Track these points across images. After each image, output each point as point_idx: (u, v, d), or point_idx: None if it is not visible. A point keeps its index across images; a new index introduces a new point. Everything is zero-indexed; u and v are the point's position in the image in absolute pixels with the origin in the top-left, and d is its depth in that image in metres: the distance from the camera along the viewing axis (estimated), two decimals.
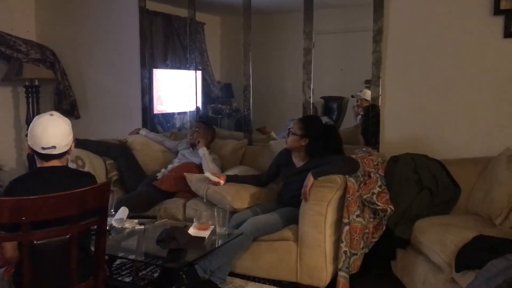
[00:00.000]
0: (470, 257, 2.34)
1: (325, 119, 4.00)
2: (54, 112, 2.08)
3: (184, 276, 2.78)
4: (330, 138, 3.25)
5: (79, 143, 3.58)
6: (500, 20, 3.30)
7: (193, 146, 3.92)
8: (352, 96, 4.07)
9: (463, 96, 3.46)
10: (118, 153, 3.95)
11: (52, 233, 1.82)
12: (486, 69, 3.38)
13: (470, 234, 2.51)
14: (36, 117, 2.09)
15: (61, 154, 2.05)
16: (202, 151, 3.75)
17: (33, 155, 2.08)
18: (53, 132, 2.01)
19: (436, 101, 3.53)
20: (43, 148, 2.00)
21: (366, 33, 3.66)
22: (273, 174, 3.48)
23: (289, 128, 3.28)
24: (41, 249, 1.83)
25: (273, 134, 4.25)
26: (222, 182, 3.36)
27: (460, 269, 2.36)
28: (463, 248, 2.42)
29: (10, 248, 1.91)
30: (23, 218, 1.69)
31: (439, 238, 2.64)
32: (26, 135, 2.12)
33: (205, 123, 4.08)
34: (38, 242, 1.82)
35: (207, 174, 3.39)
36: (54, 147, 2.01)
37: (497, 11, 3.28)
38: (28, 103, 4.85)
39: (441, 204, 3.11)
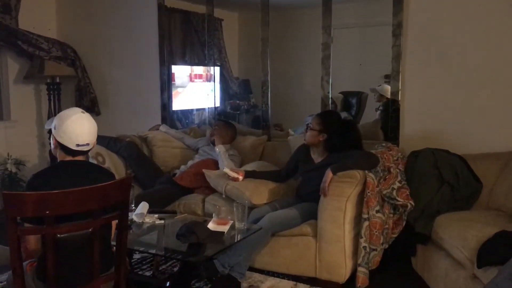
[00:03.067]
0: (492, 253, 2.31)
1: (344, 114, 3.98)
2: (81, 109, 2.10)
3: (203, 270, 2.80)
4: (349, 133, 3.23)
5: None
6: None
7: (213, 143, 3.95)
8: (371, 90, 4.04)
9: (484, 90, 3.40)
10: (126, 155, 3.94)
11: (76, 227, 1.85)
12: (508, 62, 3.32)
13: (492, 229, 2.47)
14: (64, 114, 2.06)
15: (88, 150, 2.09)
16: (218, 148, 3.77)
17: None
18: (89, 130, 2.06)
19: (456, 95, 3.48)
20: (78, 145, 2.02)
21: (385, 27, 3.63)
22: (291, 170, 3.48)
23: (308, 124, 3.27)
24: (64, 242, 1.85)
25: (290, 131, 4.25)
26: (240, 177, 3.37)
27: (482, 265, 2.34)
28: (485, 244, 2.39)
29: (33, 241, 1.96)
30: (47, 211, 1.71)
31: (461, 234, 2.61)
32: (49, 131, 2.13)
33: (224, 122, 4.09)
34: (62, 235, 1.84)
35: (226, 170, 3.41)
36: (88, 144, 2.06)
37: None
38: (49, 100, 4.93)
39: (462, 200, 3.07)
